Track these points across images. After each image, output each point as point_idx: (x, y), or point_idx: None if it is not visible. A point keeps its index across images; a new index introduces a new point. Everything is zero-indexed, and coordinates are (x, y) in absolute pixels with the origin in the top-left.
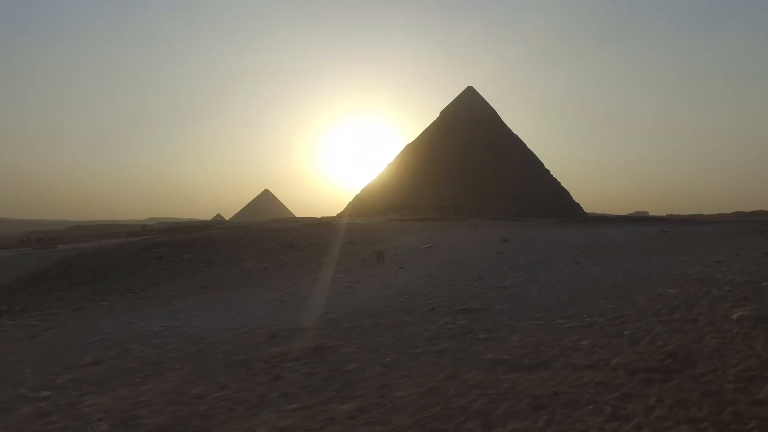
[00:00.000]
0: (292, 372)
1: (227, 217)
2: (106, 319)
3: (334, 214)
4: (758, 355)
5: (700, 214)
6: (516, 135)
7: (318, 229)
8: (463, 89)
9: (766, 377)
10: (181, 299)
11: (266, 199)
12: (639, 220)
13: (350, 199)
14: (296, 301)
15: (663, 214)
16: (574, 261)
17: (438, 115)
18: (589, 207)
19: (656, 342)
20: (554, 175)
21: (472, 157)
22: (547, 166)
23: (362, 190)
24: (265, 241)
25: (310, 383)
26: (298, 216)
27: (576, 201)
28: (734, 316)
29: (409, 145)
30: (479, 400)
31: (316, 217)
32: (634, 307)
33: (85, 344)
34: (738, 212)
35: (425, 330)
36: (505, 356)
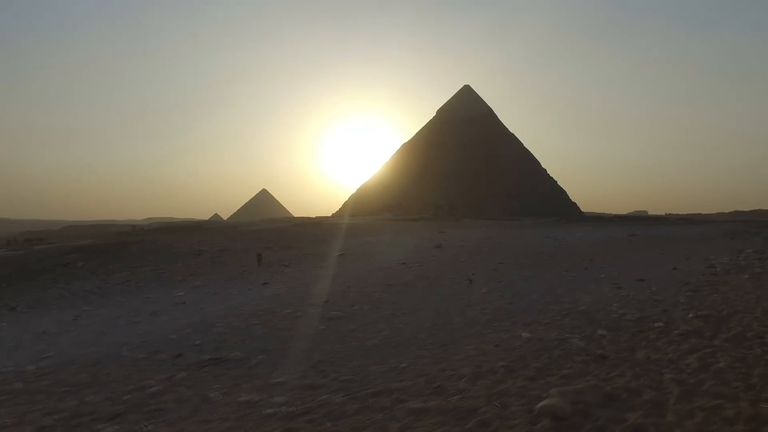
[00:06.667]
0: None
1: (225, 217)
2: None
3: (330, 214)
4: None
5: (699, 213)
6: (512, 134)
7: (268, 232)
8: (460, 88)
9: None
10: None
11: (264, 198)
12: (635, 219)
13: (347, 198)
14: (61, 333)
15: (662, 213)
16: (469, 278)
17: (435, 113)
18: (590, 206)
19: None
20: (552, 175)
21: (468, 156)
22: (544, 166)
23: (358, 190)
24: (176, 247)
25: None
26: (295, 215)
27: (573, 200)
28: (537, 407)
29: (405, 144)
30: None
31: (311, 216)
32: (433, 370)
33: None
34: (736, 211)
35: (89, 403)
36: None
